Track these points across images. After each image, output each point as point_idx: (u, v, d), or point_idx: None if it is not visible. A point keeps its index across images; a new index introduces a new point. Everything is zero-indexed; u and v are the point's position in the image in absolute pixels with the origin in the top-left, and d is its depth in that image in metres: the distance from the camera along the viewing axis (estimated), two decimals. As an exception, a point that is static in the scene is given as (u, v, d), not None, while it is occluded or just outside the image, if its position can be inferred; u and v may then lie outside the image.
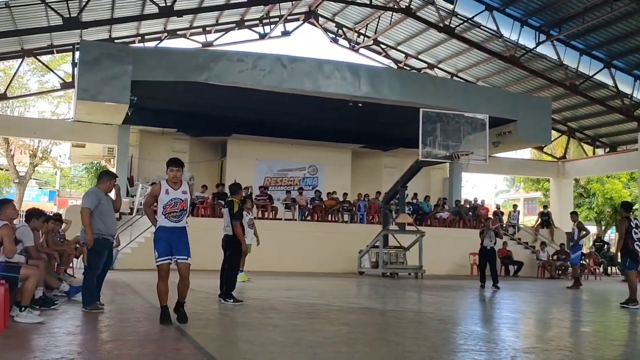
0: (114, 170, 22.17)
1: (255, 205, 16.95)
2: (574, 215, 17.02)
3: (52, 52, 24.16)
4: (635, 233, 10.12)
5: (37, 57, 23.89)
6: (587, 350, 5.94)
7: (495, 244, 15.51)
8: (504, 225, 23.68)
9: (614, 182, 33.24)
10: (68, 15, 18.13)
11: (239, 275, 10.63)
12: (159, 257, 6.35)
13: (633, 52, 21.45)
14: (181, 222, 6.46)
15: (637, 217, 25.66)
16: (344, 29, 26.72)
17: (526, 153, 34.91)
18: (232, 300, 8.74)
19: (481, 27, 22.35)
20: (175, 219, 6.41)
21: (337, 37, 27.39)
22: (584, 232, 16.64)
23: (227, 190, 12.98)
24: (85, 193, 7.84)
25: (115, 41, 22.91)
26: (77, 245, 13.63)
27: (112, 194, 7.96)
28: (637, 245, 10.11)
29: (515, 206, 26.49)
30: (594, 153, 29.26)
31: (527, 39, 21.97)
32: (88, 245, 7.35)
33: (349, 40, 27.10)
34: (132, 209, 19.39)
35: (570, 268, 21.62)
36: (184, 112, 21.19)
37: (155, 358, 4.93)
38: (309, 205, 21.22)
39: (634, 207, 10.89)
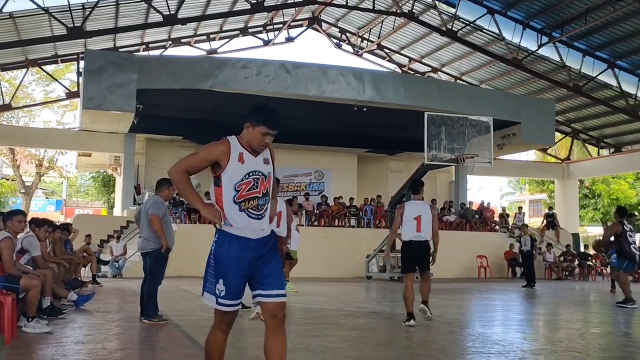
0: (120, 178, 22.32)
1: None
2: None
3: (56, 62, 24.33)
4: (630, 236, 10.64)
5: (42, 67, 24.05)
6: (596, 351, 5.93)
7: (531, 247, 17.06)
8: (510, 227, 23.69)
9: (619, 182, 33.15)
10: (72, 25, 18.26)
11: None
12: (224, 298, 3.41)
13: (637, 51, 21.43)
14: (264, 219, 3.49)
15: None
16: (348, 34, 26.80)
17: (530, 155, 34.87)
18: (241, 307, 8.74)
19: (483, 30, 22.39)
20: (256, 213, 3.44)
21: (341, 42, 27.47)
22: None
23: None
24: (152, 202, 7.40)
25: (120, 50, 23.05)
26: (85, 255, 13.74)
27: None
28: (633, 247, 10.63)
29: (520, 208, 26.46)
30: (598, 154, 29.19)
31: (529, 41, 21.99)
32: (163, 249, 7.16)
33: (353, 45, 27.16)
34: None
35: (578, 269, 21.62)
36: (190, 119, 21.26)
37: (165, 365, 4.96)
38: (315, 211, 21.24)
39: (628, 213, 11.43)
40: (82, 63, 20.72)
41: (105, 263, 17.03)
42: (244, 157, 3.44)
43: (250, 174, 3.44)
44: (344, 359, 5.30)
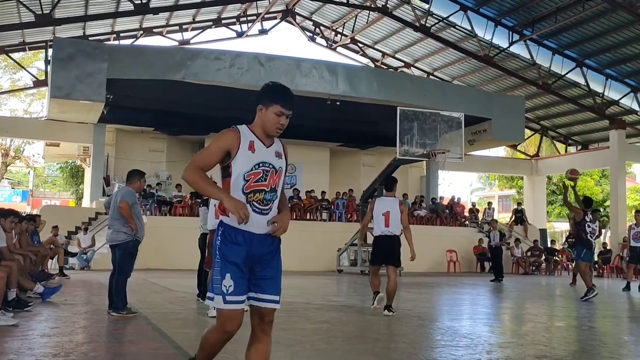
0: (89, 169, 21.96)
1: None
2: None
3: (24, 49, 23.81)
4: (589, 227, 11.08)
5: (9, 54, 23.51)
6: (560, 344, 6.06)
7: (500, 242, 17.31)
8: (480, 222, 24.00)
9: (586, 179, 33.81)
10: (40, 12, 17.87)
11: None
12: (232, 294, 3.17)
13: (604, 51, 21.84)
14: (269, 216, 3.26)
15: (609, 213, 26.21)
16: (321, 27, 26.76)
17: (500, 151, 35.33)
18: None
19: (456, 26, 22.58)
20: (261, 208, 3.23)
21: (315, 36, 27.42)
22: None
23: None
24: (125, 191, 7.30)
25: (90, 39, 22.63)
26: (52, 246, 13.51)
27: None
28: (590, 236, 11.11)
29: (490, 204, 26.81)
30: (566, 151, 29.73)
31: (500, 39, 22.27)
32: (134, 232, 7.08)
33: (327, 39, 27.13)
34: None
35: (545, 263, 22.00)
36: (161, 110, 21.02)
37: (133, 358, 4.91)
38: (286, 204, 21.19)
39: (593, 208, 11.86)
40: (50, 51, 20.28)
41: (73, 255, 16.78)
42: (254, 145, 3.22)
43: (260, 165, 3.20)
44: (314, 352, 5.31)
